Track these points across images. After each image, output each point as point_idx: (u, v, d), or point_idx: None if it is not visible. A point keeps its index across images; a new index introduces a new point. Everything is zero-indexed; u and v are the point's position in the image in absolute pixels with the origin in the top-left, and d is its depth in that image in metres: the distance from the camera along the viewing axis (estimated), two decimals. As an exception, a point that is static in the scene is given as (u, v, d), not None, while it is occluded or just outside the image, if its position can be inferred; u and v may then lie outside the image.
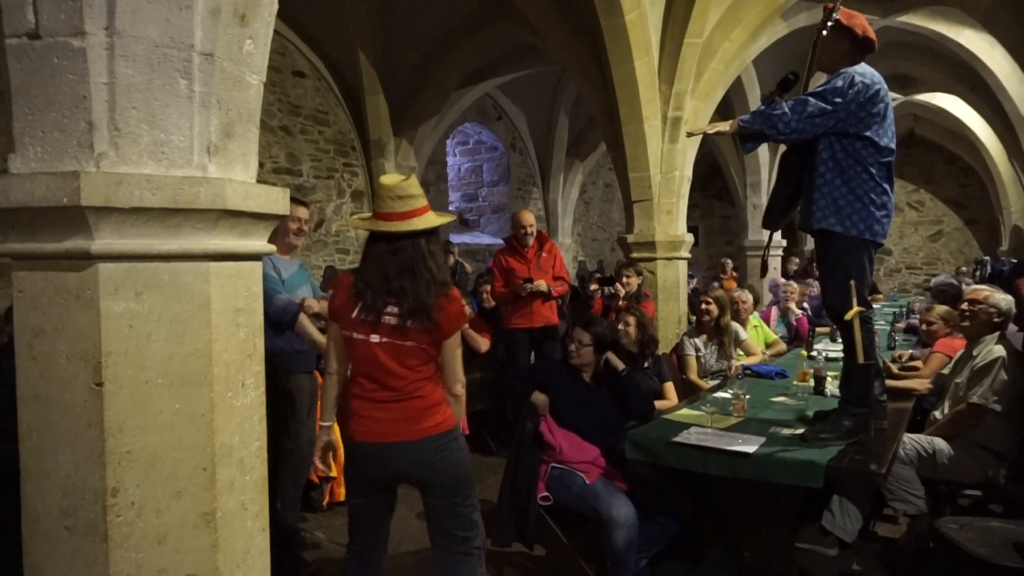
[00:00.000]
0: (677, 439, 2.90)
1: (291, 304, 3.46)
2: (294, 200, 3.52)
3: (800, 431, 2.96)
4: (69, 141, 1.53)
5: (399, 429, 2.24)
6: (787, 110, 2.71)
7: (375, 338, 2.22)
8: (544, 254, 5.43)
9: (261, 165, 6.94)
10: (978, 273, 10.57)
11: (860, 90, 2.71)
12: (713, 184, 16.55)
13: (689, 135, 2.84)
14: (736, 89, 8.80)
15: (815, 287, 8.00)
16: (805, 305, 7.48)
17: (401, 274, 2.19)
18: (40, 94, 1.52)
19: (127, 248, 1.56)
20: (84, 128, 1.52)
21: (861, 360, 2.84)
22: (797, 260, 11.67)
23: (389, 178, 2.27)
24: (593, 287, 6.08)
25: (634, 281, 5.72)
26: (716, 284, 9.28)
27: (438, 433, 2.27)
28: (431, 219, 2.26)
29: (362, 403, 2.29)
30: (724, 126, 2.78)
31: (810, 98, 2.72)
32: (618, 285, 5.63)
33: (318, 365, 3.84)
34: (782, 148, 3.03)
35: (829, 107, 2.70)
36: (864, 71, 2.77)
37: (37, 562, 1.63)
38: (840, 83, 2.71)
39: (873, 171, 2.77)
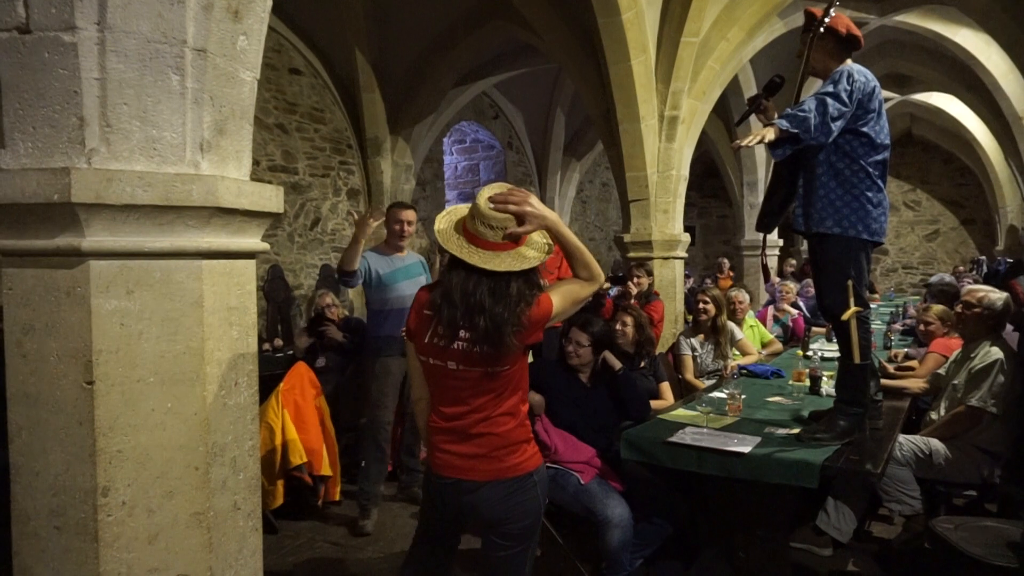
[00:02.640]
0: (672, 439, 2.89)
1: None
2: (401, 204, 4.32)
3: (795, 431, 2.95)
4: (60, 137, 1.52)
5: (473, 465, 1.99)
6: (813, 111, 2.62)
7: (451, 365, 1.95)
8: (552, 254, 5.43)
9: (257, 163, 6.93)
10: (974, 272, 10.59)
11: (861, 86, 2.70)
12: (710, 183, 16.55)
13: (736, 149, 2.75)
14: (733, 88, 8.80)
15: (812, 287, 8.01)
16: (799, 302, 7.47)
17: (480, 294, 1.88)
18: (30, 89, 1.51)
19: (118, 245, 1.55)
20: (75, 124, 1.51)
21: (857, 360, 2.84)
22: (793, 261, 11.67)
23: (489, 197, 1.90)
24: (606, 286, 6.12)
25: (644, 281, 5.79)
26: (710, 283, 9.29)
27: (515, 476, 2.00)
28: (527, 256, 1.94)
29: (436, 434, 2.06)
30: (769, 133, 2.63)
31: (827, 99, 2.64)
32: (629, 284, 5.68)
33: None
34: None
35: (846, 108, 2.66)
36: (855, 68, 2.76)
37: (27, 562, 1.61)
38: (845, 83, 2.68)
39: (870, 169, 2.76)
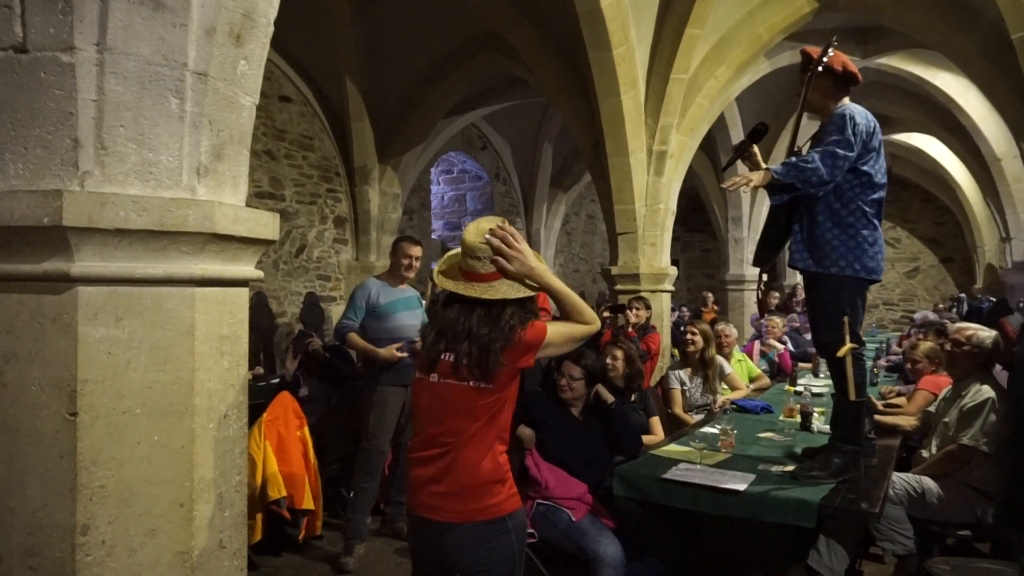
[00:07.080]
0: (666, 475, 2.84)
1: (346, 327, 4.10)
2: (409, 240, 4.30)
3: (789, 468, 2.92)
4: (53, 158, 1.47)
5: (443, 504, 1.91)
6: (819, 164, 2.67)
7: (433, 377, 1.94)
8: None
9: (244, 189, 6.89)
10: (955, 310, 10.70)
11: (863, 128, 2.72)
12: (695, 217, 16.69)
13: (724, 189, 2.78)
14: (719, 125, 8.92)
15: (796, 322, 8.04)
16: (785, 339, 7.48)
17: (471, 322, 1.91)
18: (24, 109, 1.46)
19: (109, 271, 1.49)
20: (69, 145, 1.46)
21: (853, 397, 2.82)
22: (777, 294, 11.73)
23: (472, 233, 1.94)
24: (606, 315, 6.14)
25: (643, 313, 5.90)
26: (687, 312, 9.31)
27: (486, 520, 1.90)
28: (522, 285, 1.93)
29: (412, 463, 2.00)
30: (757, 178, 2.69)
31: (837, 149, 2.68)
32: (629, 313, 5.79)
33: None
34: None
35: (852, 154, 2.70)
36: (856, 109, 2.79)
37: (-2, 604, 1.53)
38: (848, 128, 2.70)
39: (866, 208, 2.78)
